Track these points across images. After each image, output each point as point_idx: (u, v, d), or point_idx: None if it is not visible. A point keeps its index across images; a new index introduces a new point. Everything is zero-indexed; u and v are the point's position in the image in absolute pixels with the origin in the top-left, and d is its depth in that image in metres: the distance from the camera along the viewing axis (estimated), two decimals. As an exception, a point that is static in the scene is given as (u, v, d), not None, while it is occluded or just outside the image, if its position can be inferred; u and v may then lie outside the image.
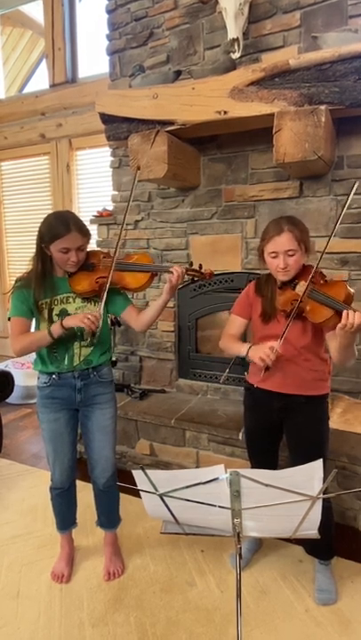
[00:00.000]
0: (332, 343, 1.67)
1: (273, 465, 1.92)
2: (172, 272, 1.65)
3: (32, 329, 1.75)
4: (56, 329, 1.63)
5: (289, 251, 1.64)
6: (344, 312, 1.49)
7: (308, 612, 1.70)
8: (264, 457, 1.91)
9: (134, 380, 3.17)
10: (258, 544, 2.03)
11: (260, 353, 1.63)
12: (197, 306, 2.90)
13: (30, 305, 1.69)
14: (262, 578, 1.88)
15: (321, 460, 1.06)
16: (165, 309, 2.91)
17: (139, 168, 1.70)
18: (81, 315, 1.62)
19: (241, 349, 1.76)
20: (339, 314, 1.53)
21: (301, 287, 1.64)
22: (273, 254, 1.66)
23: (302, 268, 1.71)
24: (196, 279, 1.77)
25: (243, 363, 2.73)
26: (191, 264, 1.76)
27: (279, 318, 1.72)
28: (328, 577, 1.82)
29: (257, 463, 1.92)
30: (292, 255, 1.64)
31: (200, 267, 1.75)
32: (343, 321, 1.48)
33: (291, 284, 1.69)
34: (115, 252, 1.69)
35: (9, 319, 1.71)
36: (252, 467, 1.94)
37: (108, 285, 1.67)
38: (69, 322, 1.62)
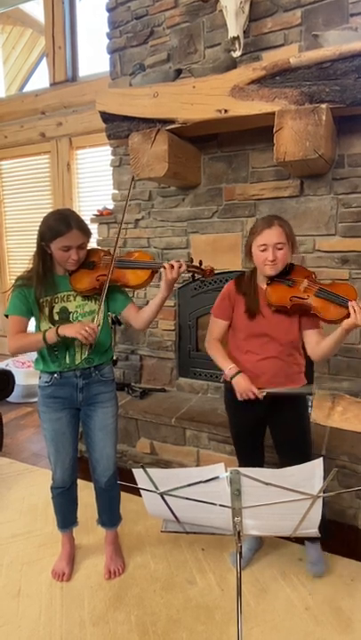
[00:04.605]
0: (312, 339, 1.75)
1: (261, 461, 1.95)
2: (165, 267, 1.64)
3: (30, 328, 1.75)
4: (51, 336, 1.62)
5: (278, 244, 1.68)
6: (354, 305, 1.56)
7: (309, 611, 1.70)
8: (253, 454, 1.94)
9: (135, 378, 3.18)
10: (259, 543, 2.03)
11: (246, 393, 1.73)
12: (198, 305, 2.90)
13: (30, 304, 1.69)
14: (262, 576, 1.88)
15: (321, 458, 1.06)
16: (166, 308, 2.95)
17: (133, 179, 1.73)
18: (78, 325, 1.60)
19: (226, 369, 1.81)
20: (345, 310, 1.59)
21: (304, 285, 1.70)
22: (262, 247, 1.70)
23: (291, 267, 1.77)
24: (196, 276, 1.76)
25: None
26: (192, 260, 1.75)
27: (264, 314, 1.76)
28: (318, 550, 1.89)
29: (246, 461, 1.93)
30: (280, 249, 1.69)
31: (200, 263, 1.75)
32: (353, 317, 1.54)
33: (286, 281, 1.73)
34: (114, 249, 1.69)
35: (6, 316, 1.71)
36: (240, 465, 1.95)
37: (107, 282, 1.67)
38: (65, 331, 1.60)
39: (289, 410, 1.81)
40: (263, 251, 1.70)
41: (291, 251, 1.74)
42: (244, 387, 1.73)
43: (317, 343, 1.74)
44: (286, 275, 1.75)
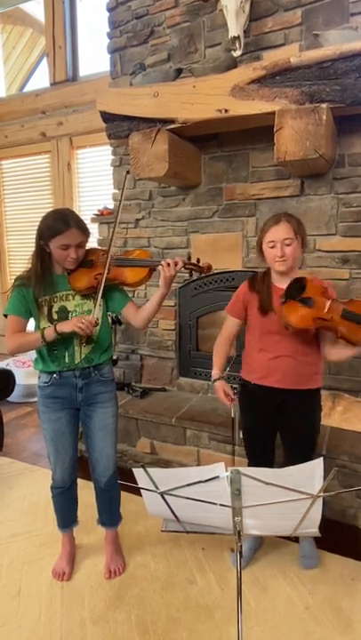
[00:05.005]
0: (329, 341, 1.74)
1: (271, 461, 1.94)
2: (162, 264, 1.65)
3: (29, 328, 1.75)
4: (49, 333, 1.63)
5: (286, 239, 1.69)
6: None
7: (309, 610, 1.70)
8: (264, 453, 1.93)
9: (135, 378, 3.18)
10: (259, 542, 2.03)
11: (221, 397, 1.84)
12: (198, 304, 2.90)
13: (29, 304, 1.69)
14: (263, 575, 1.88)
15: (321, 458, 1.07)
16: (166, 308, 2.95)
17: (128, 172, 1.74)
18: (75, 319, 1.62)
19: (214, 372, 1.89)
20: None
21: (328, 305, 1.61)
22: (271, 243, 1.72)
23: (303, 282, 1.69)
24: (194, 273, 1.77)
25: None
26: (189, 258, 1.77)
27: (277, 310, 1.76)
28: (311, 544, 1.93)
29: (256, 460, 1.93)
30: (289, 244, 1.70)
31: (198, 260, 1.76)
32: None
33: (304, 301, 1.63)
34: (109, 246, 1.70)
35: (5, 316, 1.71)
36: (251, 464, 1.95)
37: (104, 279, 1.67)
38: (63, 327, 1.62)
39: (303, 407, 1.81)
40: (272, 247, 1.72)
41: (301, 246, 1.74)
42: (218, 395, 1.86)
43: (335, 344, 1.73)
44: (301, 290, 1.66)
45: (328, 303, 1.63)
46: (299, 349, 1.75)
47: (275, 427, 1.89)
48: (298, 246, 1.72)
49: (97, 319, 1.69)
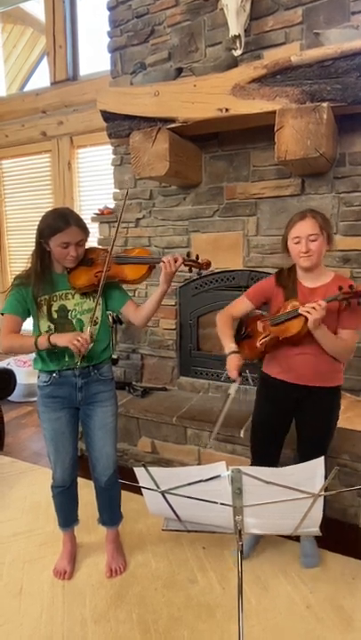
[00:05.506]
0: (340, 337, 1.76)
1: (275, 460, 1.94)
2: (163, 261, 1.66)
3: (28, 326, 1.76)
4: (42, 342, 1.61)
5: (311, 235, 1.68)
6: (303, 310, 1.61)
7: (310, 609, 1.71)
8: (269, 449, 1.92)
9: (136, 377, 3.18)
10: (256, 538, 2.03)
11: (231, 370, 1.79)
12: (199, 304, 2.90)
13: (27, 304, 1.69)
14: (264, 574, 1.88)
15: (323, 457, 1.07)
16: (167, 307, 2.95)
17: (127, 193, 1.79)
18: (71, 335, 1.60)
19: (226, 346, 1.85)
20: (303, 317, 1.64)
21: (259, 328, 1.83)
22: (296, 239, 1.71)
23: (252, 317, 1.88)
24: (193, 269, 1.78)
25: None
26: (189, 254, 1.78)
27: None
28: (312, 543, 1.95)
29: (260, 458, 1.92)
30: (313, 240, 1.69)
31: (197, 257, 1.77)
32: (310, 317, 1.59)
33: (243, 336, 1.88)
34: (112, 244, 1.70)
35: (2, 314, 1.71)
36: (254, 461, 1.95)
37: (104, 274, 1.67)
38: (57, 340, 1.60)
39: (322, 403, 1.81)
40: (297, 243, 1.71)
41: (326, 243, 1.73)
42: (229, 366, 1.79)
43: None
44: (241, 329, 1.88)
45: (260, 325, 1.80)
46: (318, 346, 1.73)
47: (289, 423, 1.89)
48: (323, 242, 1.71)
49: (97, 317, 1.69)
